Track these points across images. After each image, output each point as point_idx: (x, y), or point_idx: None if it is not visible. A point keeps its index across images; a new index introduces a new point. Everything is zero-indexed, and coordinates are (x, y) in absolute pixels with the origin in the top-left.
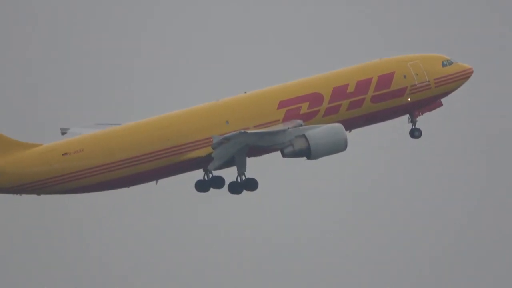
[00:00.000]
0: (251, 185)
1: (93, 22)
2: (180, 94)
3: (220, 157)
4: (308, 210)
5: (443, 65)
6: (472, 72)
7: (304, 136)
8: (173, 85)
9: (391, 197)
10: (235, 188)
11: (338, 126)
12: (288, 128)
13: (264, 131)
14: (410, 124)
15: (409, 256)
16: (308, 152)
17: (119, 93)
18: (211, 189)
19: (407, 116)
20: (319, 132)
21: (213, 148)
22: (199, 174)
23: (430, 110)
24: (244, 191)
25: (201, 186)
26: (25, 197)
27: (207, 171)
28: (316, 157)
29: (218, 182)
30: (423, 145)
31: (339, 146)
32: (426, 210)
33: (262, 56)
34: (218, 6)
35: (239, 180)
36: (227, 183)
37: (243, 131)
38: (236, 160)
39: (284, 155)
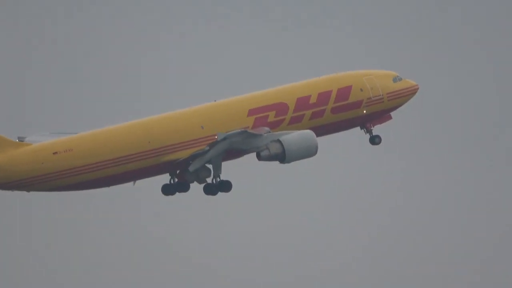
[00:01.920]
0: (226, 186)
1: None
2: (142, 102)
3: (209, 156)
4: (280, 211)
5: (394, 80)
6: (418, 88)
7: (279, 141)
8: (133, 94)
9: (359, 199)
10: (211, 189)
11: (310, 132)
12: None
13: (252, 131)
14: (367, 134)
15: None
16: (282, 156)
17: (74, 101)
18: (177, 193)
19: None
20: (293, 137)
21: (211, 147)
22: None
23: (381, 122)
24: (219, 193)
25: (168, 190)
26: (16, 193)
27: (173, 175)
28: (289, 161)
29: (183, 186)
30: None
31: (311, 151)
32: (390, 208)
33: (228, 66)
34: (188, 19)
35: (214, 182)
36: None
37: (243, 129)
38: (214, 162)
39: (260, 158)
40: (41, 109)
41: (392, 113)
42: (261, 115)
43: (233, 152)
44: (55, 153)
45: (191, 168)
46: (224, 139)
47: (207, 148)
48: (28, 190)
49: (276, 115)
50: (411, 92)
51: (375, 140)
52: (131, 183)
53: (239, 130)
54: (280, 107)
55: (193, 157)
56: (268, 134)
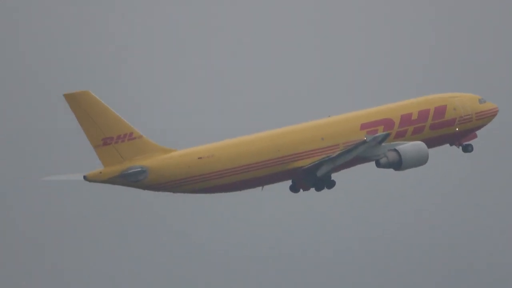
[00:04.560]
0: (331, 184)
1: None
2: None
3: (342, 160)
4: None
5: (480, 102)
6: (498, 110)
7: (396, 150)
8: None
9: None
10: (319, 184)
11: (422, 143)
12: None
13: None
14: (459, 148)
15: None
16: (399, 164)
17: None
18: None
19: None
20: (408, 147)
21: (355, 148)
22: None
23: (468, 140)
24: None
25: (294, 189)
26: (163, 194)
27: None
28: (404, 169)
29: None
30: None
31: (423, 161)
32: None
33: (338, 87)
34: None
35: (324, 179)
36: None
37: (387, 132)
38: (336, 165)
39: (379, 165)
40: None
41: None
42: (372, 129)
43: (355, 159)
44: (199, 158)
45: (319, 173)
46: (375, 139)
47: (338, 153)
48: (174, 192)
49: (384, 129)
50: (494, 113)
51: (468, 148)
52: (260, 188)
53: (385, 133)
54: (387, 123)
55: (321, 163)
56: (386, 144)
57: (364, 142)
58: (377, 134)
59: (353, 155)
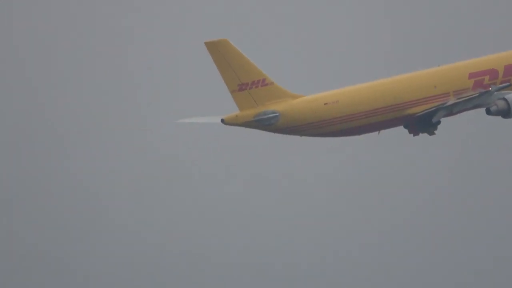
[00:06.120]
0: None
1: None
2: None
3: (466, 106)
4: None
5: None
6: None
7: (505, 99)
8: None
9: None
10: (432, 129)
11: None
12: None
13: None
14: None
15: None
16: (507, 112)
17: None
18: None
19: None
20: None
21: (479, 97)
22: None
23: None
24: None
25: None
26: (290, 137)
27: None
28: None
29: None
30: None
31: None
32: None
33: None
34: None
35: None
36: None
37: (508, 83)
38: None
39: (489, 113)
40: None
41: None
42: (479, 78)
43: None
44: (325, 104)
45: (435, 119)
46: (499, 89)
47: (458, 101)
48: (301, 135)
49: (490, 79)
50: None
51: None
52: (377, 132)
53: (506, 84)
54: (492, 72)
55: (437, 110)
56: (496, 93)
57: (488, 91)
58: (501, 85)
59: (474, 103)
